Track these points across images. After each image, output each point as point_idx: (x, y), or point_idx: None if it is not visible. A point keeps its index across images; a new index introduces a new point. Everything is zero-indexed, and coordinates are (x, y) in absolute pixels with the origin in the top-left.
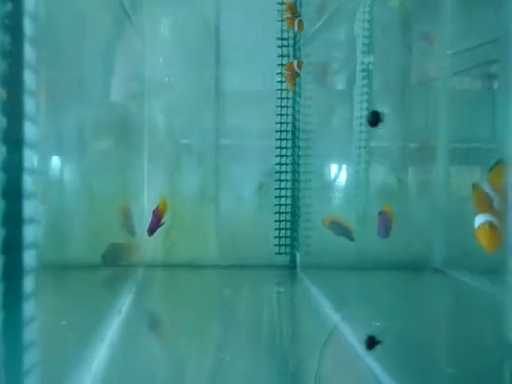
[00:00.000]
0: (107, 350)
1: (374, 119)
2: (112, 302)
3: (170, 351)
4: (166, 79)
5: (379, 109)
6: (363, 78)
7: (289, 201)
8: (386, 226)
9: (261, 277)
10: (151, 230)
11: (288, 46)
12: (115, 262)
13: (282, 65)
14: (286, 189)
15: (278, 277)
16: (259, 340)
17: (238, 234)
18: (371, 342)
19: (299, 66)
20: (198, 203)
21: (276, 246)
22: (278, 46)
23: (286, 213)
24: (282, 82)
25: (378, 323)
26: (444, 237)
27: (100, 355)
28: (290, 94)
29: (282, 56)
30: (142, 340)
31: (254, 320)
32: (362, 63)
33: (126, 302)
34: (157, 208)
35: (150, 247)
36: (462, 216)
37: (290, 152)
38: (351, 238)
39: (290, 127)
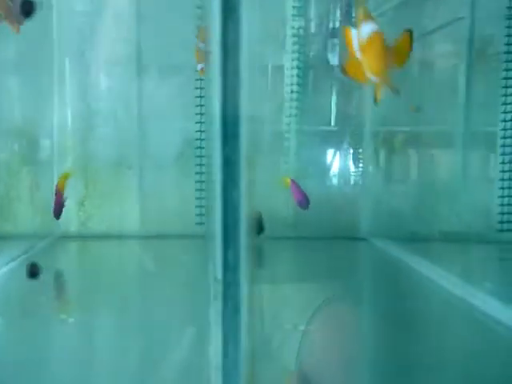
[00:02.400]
0: None
1: (26, 8)
2: None
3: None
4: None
5: None
6: (294, 44)
7: (209, 168)
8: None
9: (175, 247)
10: (57, 215)
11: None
12: None
13: None
14: (208, 157)
15: (190, 247)
16: (117, 304)
17: (161, 203)
18: (32, 271)
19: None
20: (117, 172)
21: (197, 215)
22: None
23: (205, 181)
24: None
25: None
26: (370, 209)
27: None
28: None
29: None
30: None
31: (126, 286)
32: (293, 28)
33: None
34: (56, 188)
35: (62, 218)
36: (388, 190)
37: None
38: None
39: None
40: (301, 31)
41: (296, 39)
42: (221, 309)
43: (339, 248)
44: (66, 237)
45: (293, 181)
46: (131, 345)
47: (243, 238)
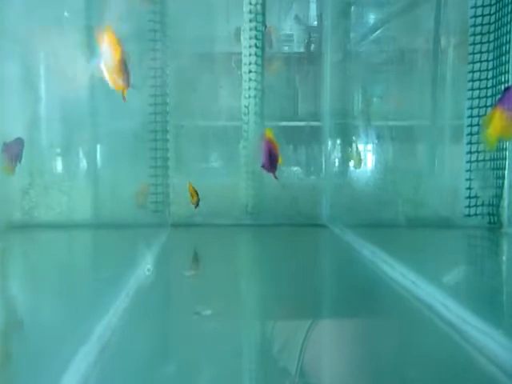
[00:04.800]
0: None
1: None
2: None
3: None
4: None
5: None
6: (251, 21)
7: (164, 154)
8: (271, 154)
9: (121, 236)
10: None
11: None
12: None
13: None
14: (163, 140)
15: (140, 236)
16: None
17: (117, 191)
18: None
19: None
20: (65, 158)
21: (153, 203)
22: None
23: (160, 167)
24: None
25: None
26: (330, 197)
27: None
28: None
29: None
30: None
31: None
32: (250, 3)
33: None
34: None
35: (5, 207)
36: (346, 179)
37: (162, 100)
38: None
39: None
40: (258, 7)
41: (253, 16)
42: None
43: (296, 234)
44: (9, 226)
45: (267, 138)
46: None
47: None
